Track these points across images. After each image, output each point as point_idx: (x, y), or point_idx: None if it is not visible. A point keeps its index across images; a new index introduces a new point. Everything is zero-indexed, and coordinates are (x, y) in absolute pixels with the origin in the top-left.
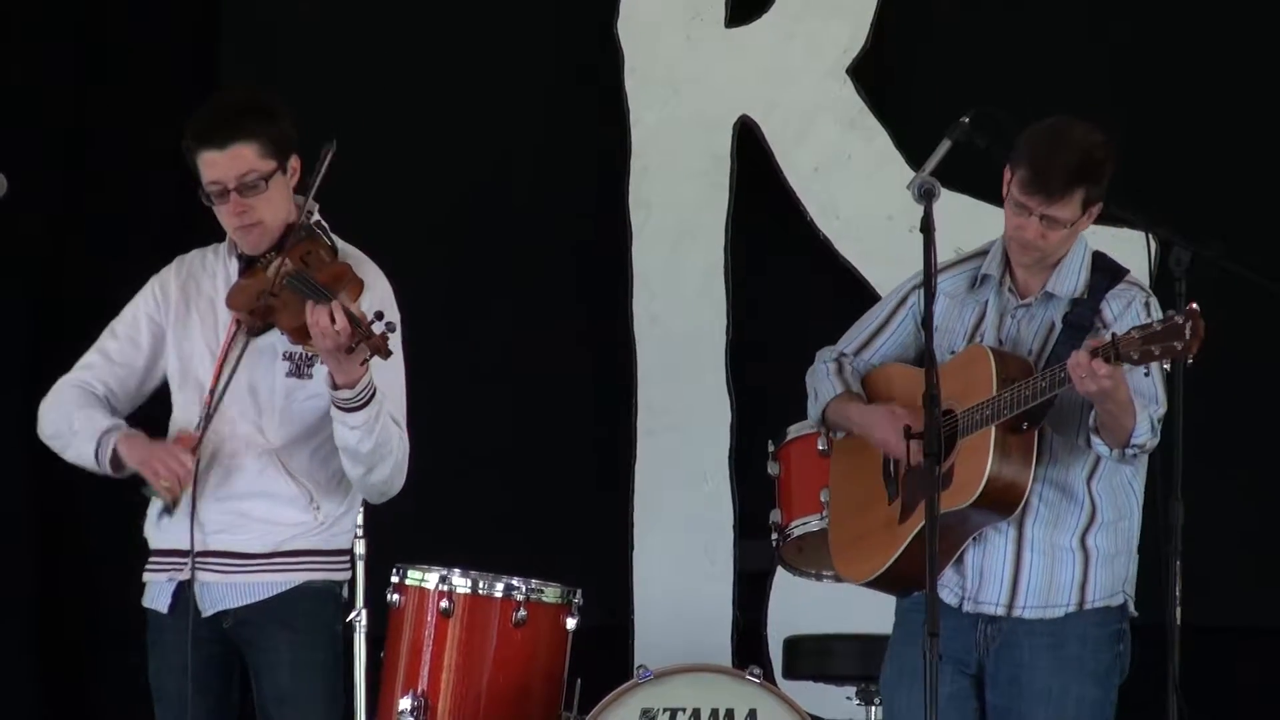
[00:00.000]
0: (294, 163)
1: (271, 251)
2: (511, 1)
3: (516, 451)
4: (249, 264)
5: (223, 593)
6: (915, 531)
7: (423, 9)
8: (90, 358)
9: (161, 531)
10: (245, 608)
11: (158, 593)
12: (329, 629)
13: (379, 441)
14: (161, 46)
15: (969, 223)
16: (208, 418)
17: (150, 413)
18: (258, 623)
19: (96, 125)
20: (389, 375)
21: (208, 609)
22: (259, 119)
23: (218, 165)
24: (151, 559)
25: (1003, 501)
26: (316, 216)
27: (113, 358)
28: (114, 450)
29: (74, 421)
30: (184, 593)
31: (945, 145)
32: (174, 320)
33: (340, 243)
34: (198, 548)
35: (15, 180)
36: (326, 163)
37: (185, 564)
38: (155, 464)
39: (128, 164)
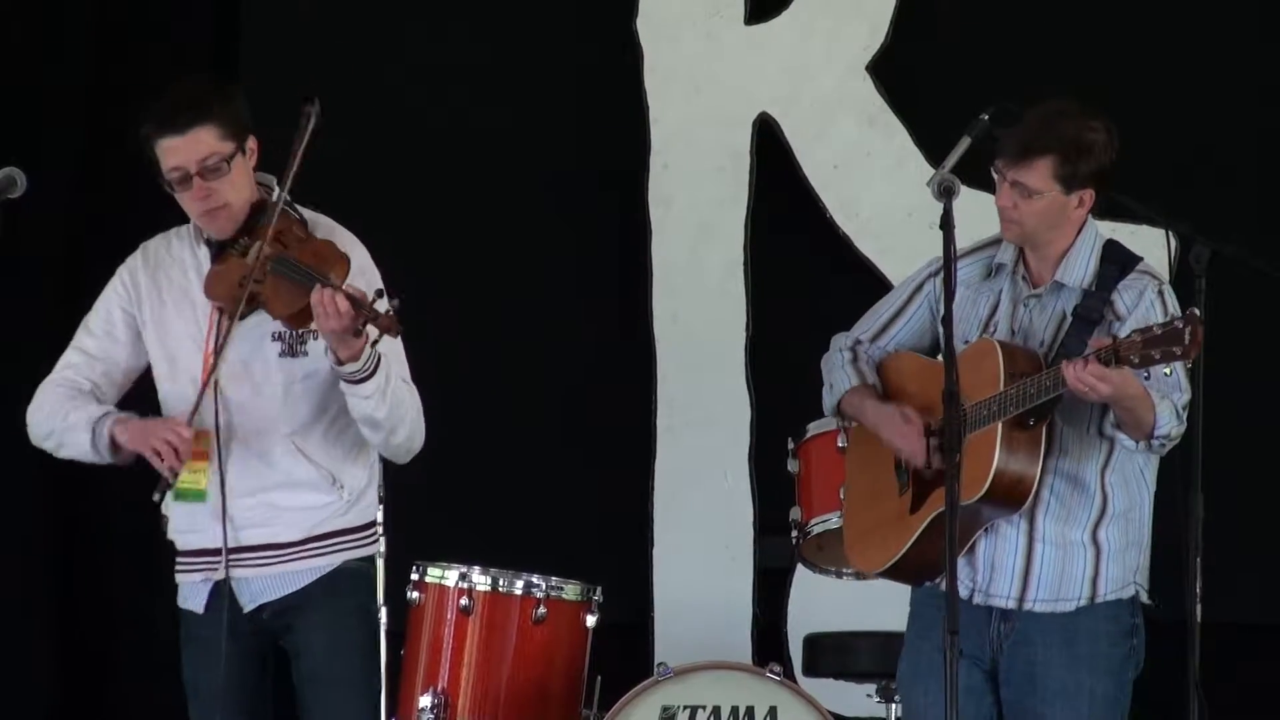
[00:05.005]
0: (251, 143)
1: (244, 237)
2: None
3: (537, 449)
4: (220, 249)
5: (262, 586)
6: (926, 523)
7: (442, 7)
8: (70, 357)
9: (192, 533)
10: (284, 596)
11: (192, 593)
12: (365, 610)
13: (393, 404)
14: (180, 45)
15: (988, 219)
16: (215, 411)
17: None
18: (298, 607)
19: (113, 124)
20: (385, 339)
21: (248, 604)
22: (216, 102)
23: (178, 151)
24: (182, 559)
25: (1010, 497)
26: (281, 193)
27: (93, 354)
28: (110, 435)
29: (67, 416)
30: (221, 591)
31: (965, 142)
32: (149, 312)
33: (308, 213)
34: (232, 544)
35: (33, 178)
36: (311, 125)
37: (219, 563)
38: (152, 440)
39: (148, 164)
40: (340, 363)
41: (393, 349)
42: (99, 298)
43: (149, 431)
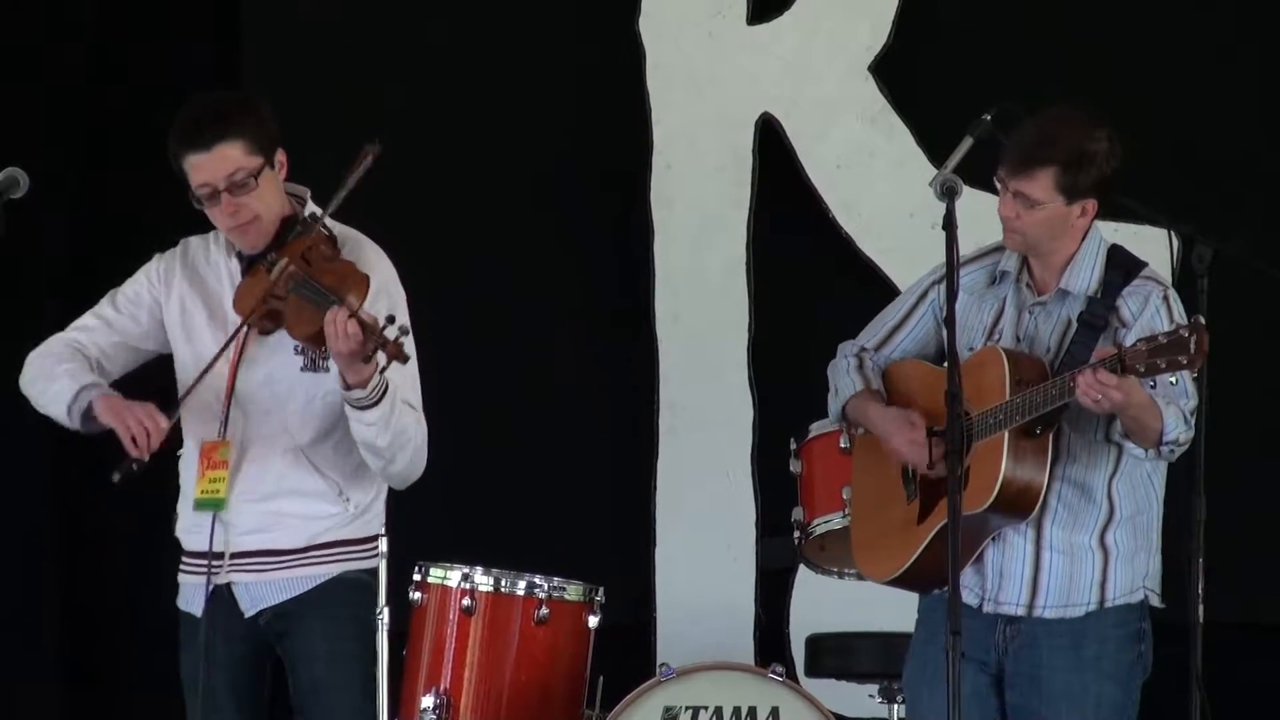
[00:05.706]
0: (280, 156)
1: (273, 252)
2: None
3: (539, 449)
4: (250, 263)
5: (262, 591)
6: (934, 532)
7: (443, 7)
8: (88, 320)
9: (195, 534)
10: (283, 602)
11: (192, 595)
12: (364, 620)
13: (396, 433)
14: (180, 45)
15: (991, 220)
16: (225, 418)
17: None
18: (295, 614)
19: (114, 124)
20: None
21: (249, 609)
22: (241, 117)
23: (204, 168)
24: (186, 559)
25: (1019, 505)
26: (312, 208)
27: (112, 324)
28: (89, 404)
29: (58, 371)
30: (219, 595)
31: (967, 142)
32: (177, 310)
33: (338, 228)
34: (232, 549)
35: (33, 178)
36: (366, 164)
37: (220, 567)
38: (128, 418)
39: (149, 163)
40: (348, 387)
41: (405, 373)
42: (132, 277)
43: (128, 410)
